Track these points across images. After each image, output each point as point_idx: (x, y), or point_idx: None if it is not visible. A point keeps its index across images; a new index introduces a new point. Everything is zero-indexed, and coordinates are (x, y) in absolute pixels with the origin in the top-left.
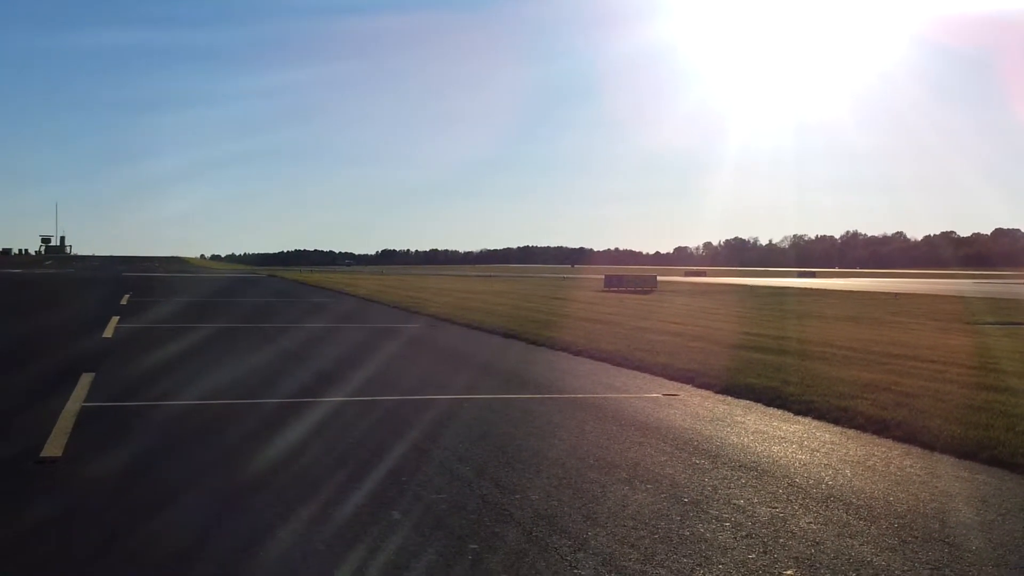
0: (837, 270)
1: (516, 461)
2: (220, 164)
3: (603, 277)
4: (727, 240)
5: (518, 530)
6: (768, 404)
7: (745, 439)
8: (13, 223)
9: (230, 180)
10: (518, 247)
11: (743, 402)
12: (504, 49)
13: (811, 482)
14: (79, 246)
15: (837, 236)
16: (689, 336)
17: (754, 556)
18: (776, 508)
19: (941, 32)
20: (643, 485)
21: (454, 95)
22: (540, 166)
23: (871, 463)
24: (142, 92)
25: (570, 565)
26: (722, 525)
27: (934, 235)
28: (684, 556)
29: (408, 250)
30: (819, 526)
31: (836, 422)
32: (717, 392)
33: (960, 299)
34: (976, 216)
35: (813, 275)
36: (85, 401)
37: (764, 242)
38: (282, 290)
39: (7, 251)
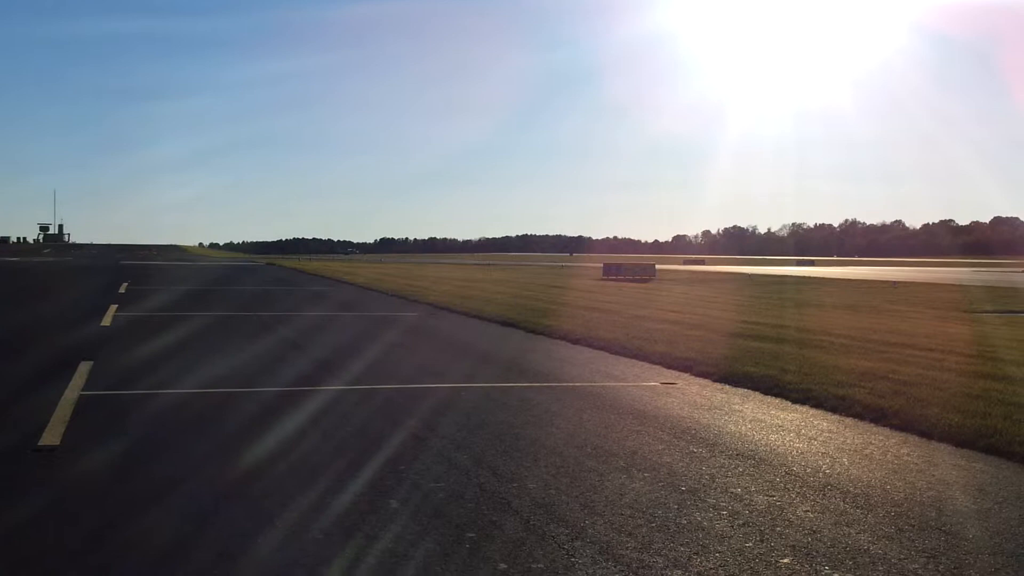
0: (836, 258)
1: (514, 450)
2: (219, 152)
3: (602, 265)
4: (726, 228)
5: (516, 519)
6: (766, 392)
7: (743, 427)
8: (11, 211)
9: (229, 168)
10: (517, 235)
11: (741, 390)
12: (503, 36)
13: (808, 470)
14: (77, 234)
15: (836, 224)
16: (687, 324)
17: (751, 544)
18: (773, 496)
19: (940, 20)
20: (640, 473)
21: (453, 83)
22: (539, 154)
23: (868, 451)
24: (141, 80)
25: (567, 554)
26: (719, 513)
27: (933, 223)
28: (681, 544)
29: (407, 238)
30: (816, 514)
31: (834, 410)
32: (715, 380)
33: (958, 287)
34: (975, 204)
35: (812, 263)
36: (83, 389)
37: (763, 230)
38: (280, 278)
39: (5, 239)
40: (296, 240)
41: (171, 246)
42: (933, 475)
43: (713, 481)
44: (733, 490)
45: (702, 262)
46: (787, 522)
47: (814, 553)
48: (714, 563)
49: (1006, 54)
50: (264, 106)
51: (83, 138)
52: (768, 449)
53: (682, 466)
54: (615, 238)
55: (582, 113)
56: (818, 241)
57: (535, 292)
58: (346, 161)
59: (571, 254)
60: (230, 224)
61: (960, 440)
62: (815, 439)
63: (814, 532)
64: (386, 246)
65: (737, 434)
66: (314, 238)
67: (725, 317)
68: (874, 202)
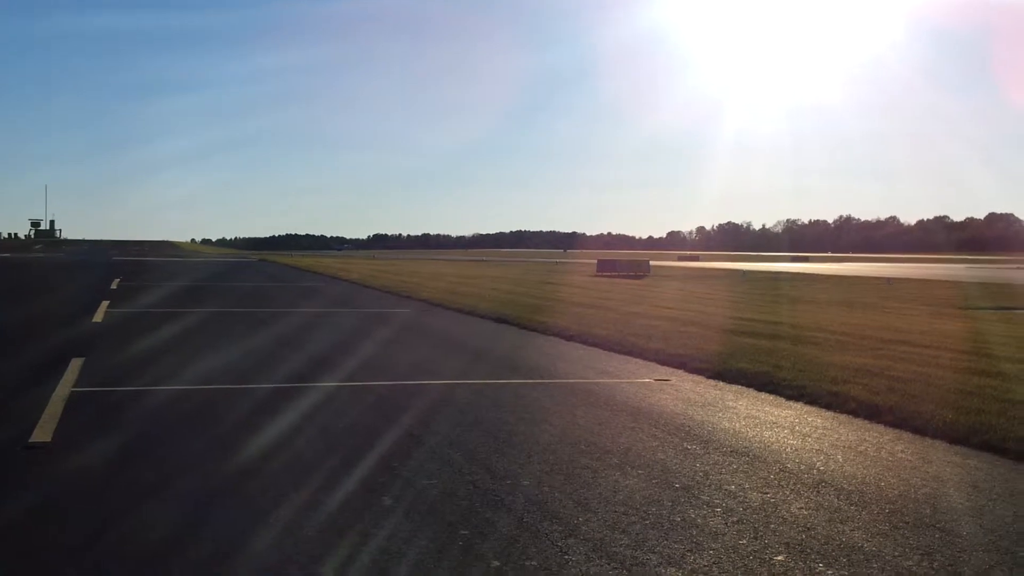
0: (830, 255)
1: (508, 447)
2: (211, 148)
3: (596, 262)
4: (720, 225)
5: (509, 516)
6: (760, 389)
7: (737, 424)
8: (3, 207)
9: (221, 164)
10: (511, 232)
11: (735, 387)
12: (499, 34)
13: (802, 467)
14: (69, 230)
15: (830, 221)
16: (681, 321)
17: (745, 542)
18: (767, 493)
19: (935, 16)
20: (634, 471)
21: (447, 80)
22: (533, 151)
23: (863, 448)
24: (133, 76)
25: (561, 551)
26: (713, 511)
27: (927, 220)
28: (675, 542)
29: (400, 234)
30: (810, 511)
31: (828, 407)
32: (709, 377)
33: (953, 284)
34: (970, 201)
35: (806, 260)
36: (75, 386)
37: (757, 227)
38: (273, 274)
39: None
40: (289, 236)
41: (164, 242)
42: (927, 472)
43: (707, 478)
44: (727, 487)
45: (696, 258)
46: (781, 519)
47: (808, 550)
48: (708, 560)
49: (1001, 50)
50: (257, 102)
51: (75, 134)
52: (762, 446)
53: (676, 463)
54: (609, 234)
55: (577, 110)
56: (813, 237)
57: (529, 288)
58: (340, 157)
59: (565, 251)
60: (223, 220)
61: (954, 437)
62: (809, 436)
63: (808, 529)
64: (379, 242)
65: (731, 431)
66: (307, 234)
67: (719, 313)
68: (869, 198)
